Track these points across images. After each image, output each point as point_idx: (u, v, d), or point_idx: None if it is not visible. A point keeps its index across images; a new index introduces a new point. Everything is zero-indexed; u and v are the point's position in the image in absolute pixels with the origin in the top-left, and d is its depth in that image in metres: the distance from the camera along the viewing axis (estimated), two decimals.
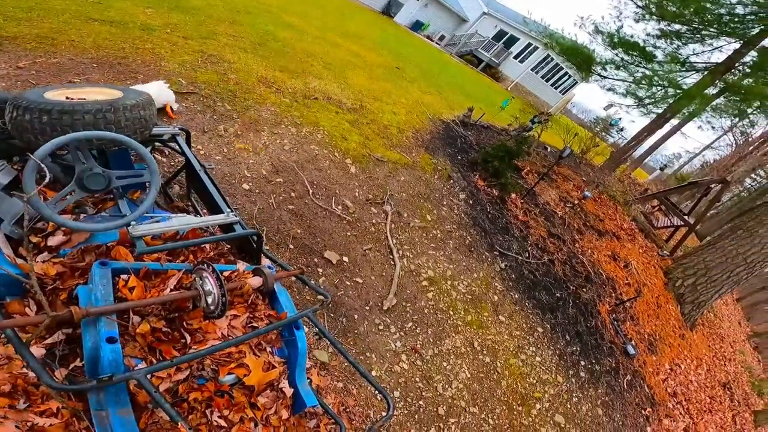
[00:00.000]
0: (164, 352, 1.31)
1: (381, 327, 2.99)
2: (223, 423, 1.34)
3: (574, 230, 6.20)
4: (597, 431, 3.66)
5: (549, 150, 9.22)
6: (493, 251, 4.56)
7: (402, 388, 2.76)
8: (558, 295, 4.67)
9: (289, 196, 3.46)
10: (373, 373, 2.67)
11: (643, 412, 4.28)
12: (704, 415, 5.24)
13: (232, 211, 1.86)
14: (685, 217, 8.51)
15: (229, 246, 1.95)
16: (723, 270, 6.08)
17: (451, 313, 3.52)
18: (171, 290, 1.43)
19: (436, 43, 23.84)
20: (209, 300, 1.38)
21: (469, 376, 3.17)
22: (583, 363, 4.14)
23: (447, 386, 2.98)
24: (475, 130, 7.51)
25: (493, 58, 23.09)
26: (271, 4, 9.18)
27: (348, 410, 2.39)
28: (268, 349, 1.53)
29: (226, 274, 1.58)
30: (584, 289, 5.07)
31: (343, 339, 2.72)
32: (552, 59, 21.96)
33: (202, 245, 1.77)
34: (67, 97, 1.67)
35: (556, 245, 5.45)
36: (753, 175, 16.58)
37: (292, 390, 1.54)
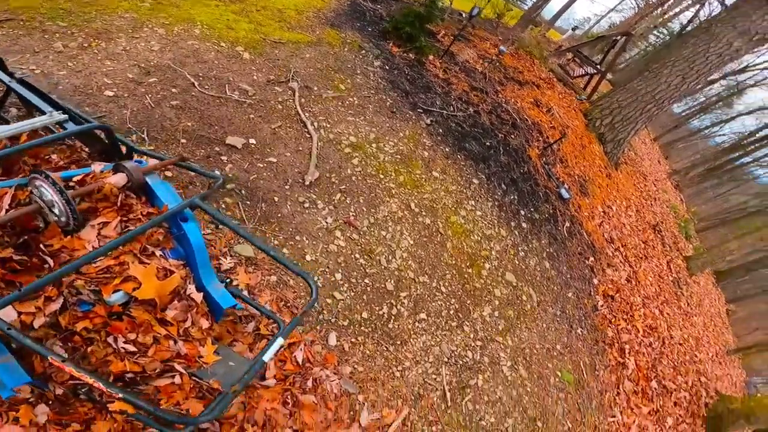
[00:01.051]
0: (25, 284, 1.09)
1: (306, 205, 2.93)
2: (132, 348, 1.22)
3: (496, 83, 6.24)
4: (548, 287, 3.94)
5: (464, 15, 8.97)
6: (416, 109, 4.52)
7: (343, 268, 2.68)
8: (488, 143, 4.81)
9: (169, 93, 3.11)
10: (307, 257, 2.60)
11: (586, 262, 4.70)
12: (641, 263, 5.86)
13: (59, 111, 1.57)
14: (598, 66, 8.91)
15: (87, 151, 1.71)
16: (635, 108, 6.50)
17: (382, 176, 3.52)
18: (6, 211, 1.24)
19: None
20: (55, 211, 1.21)
21: (411, 242, 3.23)
22: (522, 212, 4.39)
23: (391, 257, 3.00)
24: (385, 4, 7.03)
25: None
26: None
27: (289, 305, 2.30)
28: (158, 253, 1.36)
29: (77, 178, 1.38)
30: (512, 136, 5.26)
31: (266, 226, 2.62)
32: None
33: (46, 156, 1.55)
34: None
35: (480, 97, 5.50)
36: (656, 33, 17.65)
37: (202, 294, 1.41)
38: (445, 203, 3.76)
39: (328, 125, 3.62)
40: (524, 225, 4.28)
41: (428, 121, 4.45)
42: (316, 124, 3.55)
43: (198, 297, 1.39)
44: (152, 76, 3.17)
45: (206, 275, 1.44)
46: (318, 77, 4.15)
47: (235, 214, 2.58)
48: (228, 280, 1.62)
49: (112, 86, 2.94)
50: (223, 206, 2.59)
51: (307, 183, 3.02)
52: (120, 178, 1.39)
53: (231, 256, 2.34)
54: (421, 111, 4.53)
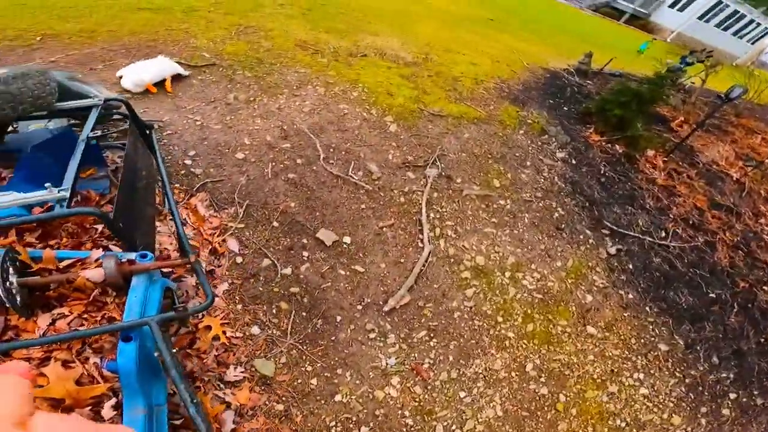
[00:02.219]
0: None
1: (373, 335, 2.16)
2: None
3: (759, 199, 4.12)
4: None
5: (720, 98, 6.68)
6: (600, 229, 3.20)
7: (377, 424, 1.88)
8: (713, 295, 3.04)
9: (292, 164, 2.88)
10: (337, 397, 1.89)
11: None
12: None
13: (58, 188, 1.42)
14: None
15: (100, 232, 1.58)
16: None
17: (500, 320, 2.44)
18: None
19: None
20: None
21: (500, 414, 2.08)
22: (733, 396, 2.52)
23: (457, 428, 1.96)
24: (598, 80, 5.83)
25: (639, 8, 19.55)
26: None
27: None
28: (93, 360, 1.22)
29: (66, 262, 1.30)
30: (766, 288, 3.23)
31: (308, 347, 2.02)
32: (727, 5, 18.25)
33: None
34: None
35: (723, 221, 3.65)
36: None
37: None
38: (588, 372, 2.40)
39: (454, 235, 2.78)
40: (725, 411, 2.41)
41: (613, 250, 3.07)
42: (437, 230, 2.77)
43: (107, 415, 1.21)
44: (288, 141, 3.04)
45: (128, 402, 1.23)
46: (468, 165, 3.38)
47: (281, 322, 2.07)
48: None
49: (247, 148, 2.90)
50: (274, 310, 2.10)
51: (387, 308, 2.26)
52: (97, 274, 1.27)
53: (245, 368, 1.85)
54: (608, 233, 3.19)
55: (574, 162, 3.88)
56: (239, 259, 2.29)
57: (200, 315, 1.95)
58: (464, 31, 6.75)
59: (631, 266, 3.05)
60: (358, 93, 3.79)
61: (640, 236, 3.24)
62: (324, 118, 3.36)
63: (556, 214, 3.23)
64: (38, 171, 1.90)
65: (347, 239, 2.54)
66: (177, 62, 3.55)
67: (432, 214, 2.89)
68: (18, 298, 1.17)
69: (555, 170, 3.69)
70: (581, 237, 3.11)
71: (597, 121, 4.45)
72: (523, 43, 7.21)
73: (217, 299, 2.07)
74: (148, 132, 2.46)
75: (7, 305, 1.13)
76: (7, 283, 1.14)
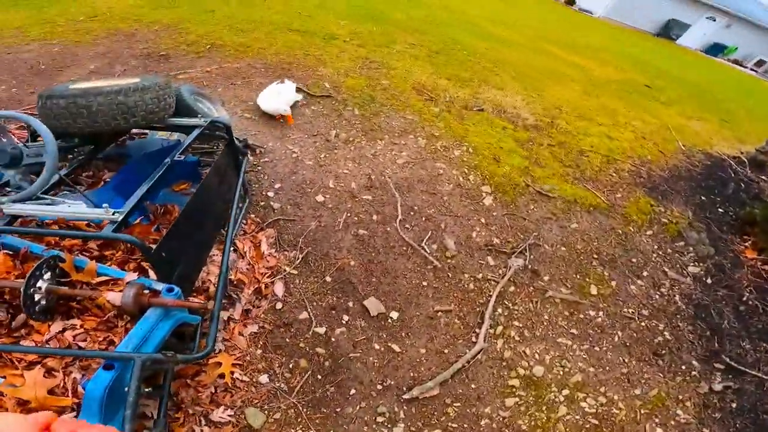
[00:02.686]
0: None
1: (381, 419, 1.88)
2: None
3: None
4: None
5: None
6: (712, 362, 2.46)
7: None
8: None
9: (367, 219, 2.76)
10: None
11: None
12: None
13: (115, 209, 1.44)
14: None
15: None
16: None
17: None
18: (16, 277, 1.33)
19: (751, 69, 17.97)
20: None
21: None
22: None
23: None
24: None
25: None
26: (480, 15, 8.75)
27: None
28: (75, 375, 1.25)
29: (100, 278, 1.38)
30: None
31: (310, 410, 1.84)
32: None
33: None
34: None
35: None
36: None
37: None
38: None
39: (517, 338, 2.36)
40: None
41: (720, 386, 2.32)
42: (500, 328, 2.38)
43: None
44: (370, 192, 2.95)
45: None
46: (564, 262, 2.89)
47: (293, 378, 1.95)
48: None
49: (329, 192, 2.88)
50: (292, 365, 2.00)
51: (408, 396, 1.98)
52: (116, 298, 1.33)
53: (235, 413, 1.77)
54: (722, 367, 2.43)
55: (709, 281, 3.08)
56: (279, 305, 2.22)
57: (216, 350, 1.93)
58: (609, 98, 6.04)
59: (734, 405, 2.26)
60: (461, 153, 3.55)
61: (765, 376, 2.40)
62: (415, 174, 3.20)
63: (660, 338, 2.56)
64: (132, 180, 2.07)
65: (394, 314, 2.32)
66: (299, 88, 3.75)
67: (500, 310, 2.50)
68: (41, 303, 1.26)
69: (679, 287, 2.97)
70: (683, 367, 2.41)
71: (760, 233, 3.50)
72: (682, 118, 6.19)
73: (240, 338, 2.03)
74: (241, 157, 2.57)
75: (30, 308, 1.20)
76: (32, 288, 1.22)
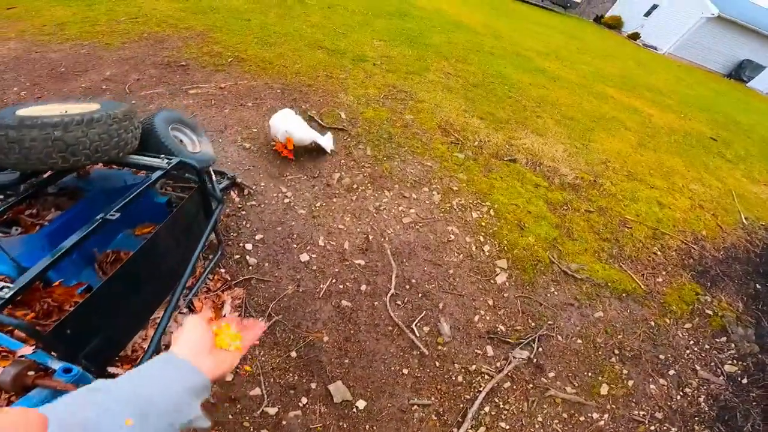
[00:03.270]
0: None
1: None
2: None
3: None
4: None
5: None
6: None
7: None
8: None
9: (354, 288, 2.38)
10: None
11: None
12: None
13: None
14: None
15: None
16: None
17: None
18: None
19: None
20: None
21: None
22: None
23: None
24: None
25: None
26: (533, 47, 8.20)
27: None
28: None
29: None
30: None
31: None
32: None
33: None
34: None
35: None
36: None
37: None
38: None
39: None
40: None
41: None
42: (481, 430, 1.92)
43: None
44: (364, 257, 2.57)
45: None
46: (576, 357, 2.39)
47: None
48: None
49: (316, 250, 2.53)
50: None
51: None
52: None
53: None
54: None
55: (744, 381, 2.51)
56: (229, 377, 1.88)
57: None
58: (667, 152, 5.37)
59: None
60: (480, 215, 3.10)
61: None
62: (421, 238, 2.78)
63: None
64: (77, 225, 1.78)
65: (361, 403, 1.91)
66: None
67: (487, 408, 2.05)
68: None
69: (707, 388, 2.40)
70: None
71: None
72: (749, 181, 5.41)
73: None
74: (215, 205, 2.25)
75: None
76: None
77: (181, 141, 2.28)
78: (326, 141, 3.00)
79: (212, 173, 2.38)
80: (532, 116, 4.85)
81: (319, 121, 3.51)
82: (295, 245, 2.52)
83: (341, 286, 2.40)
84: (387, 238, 2.71)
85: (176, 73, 3.90)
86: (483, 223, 3.03)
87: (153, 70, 3.90)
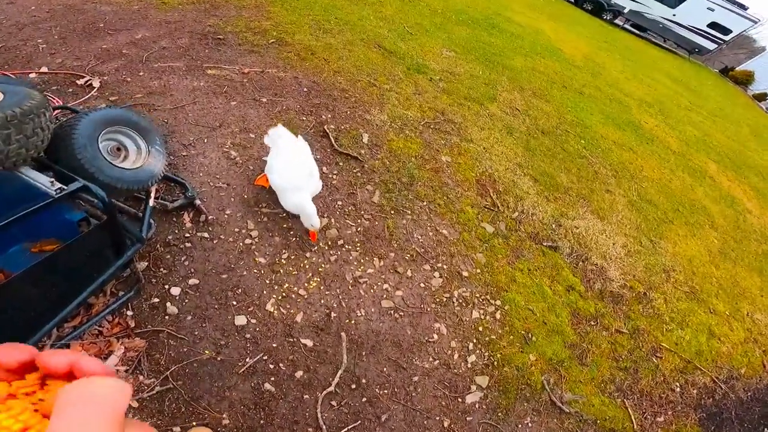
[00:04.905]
0: None
1: None
2: None
3: None
4: None
5: None
6: None
7: None
8: None
9: (288, 373, 1.91)
10: None
11: None
12: None
13: None
14: None
15: None
16: None
17: None
18: None
19: None
20: None
21: None
22: None
23: None
24: None
25: None
26: (635, 93, 7.03)
27: None
28: None
29: None
30: None
31: None
32: None
33: None
34: None
35: None
36: None
37: None
38: None
39: None
40: None
41: None
42: None
43: None
44: (315, 337, 2.08)
45: None
46: None
47: None
48: None
49: (259, 315, 2.09)
50: None
51: None
52: None
53: None
54: None
55: None
56: None
57: None
58: (748, 267, 4.31)
59: None
60: (482, 316, 2.46)
61: None
62: (395, 331, 2.21)
63: None
64: None
65: None
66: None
67: None
68: None
69: None
70: None
71: None
72: None
73: None
74: (129, 244, 1.81)
75: None
76: None
77: (118, 149, 1.85)
78: (309, 216, 2.21)
79: (151, 195, 1.94)
80: (600, 189, 4.00)
81: (333, 141, 2.97)
82: (234, 302, 2.05)
83: (272, 366, 1.94)
84: (353, 321, 2.17)
85: (207, 47, 3.51)
86: (481, 327, 2.40)
87: (186, 39, 3.54)
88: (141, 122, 1.94)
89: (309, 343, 2.05)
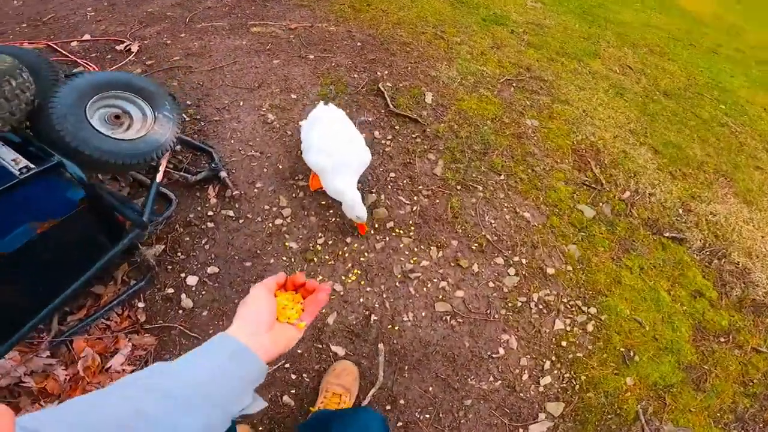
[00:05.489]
0: None
1: None
2: None
3: None
4: None
5: None
6: None
7: None
8: None
9: (310, 385, 1.55)
10: None
11: None
12: None
13: None
14: None
15: None
16: None
17: None
18: None
19: None
20: None
21: None
22: None
23: None
24: None
25: None
26: None
27: None
28: None
29: None
30: None
31: None
32: None
33: None
34: None
35: None
36: None
37: None
38: None
39: None
40: None
41: None
42: None
43: None
44: (351, 345, 1.69)
45: None
46: None
47: None
48: None
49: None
50: None
51: None
52: None
53: None
54: None
55: None
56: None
57: None
58: None
59: None
60: (569, 327, 1.86)
61: None
62: (450, 340, 1.73)
63: None
64: None
65: None
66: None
67: None
68: None
69: None
70: None
71: None
72: None
73: None
74: (129, 228, 1.53)
75: None
76: None
77: (118, 117, 1.55)
78: (351, 206, 1.76)
79: (160, 169, 1.63)
80: (747, 165, 2.99)
81: (388, 101, 2.47)
82: None
83: (294, 376, 1.59)
84: (396, 327, 1.72)
85: (254, 3, 3.19)
86: (565, 342, 1.80)
87: None
88: (145, 85, 1.63)
89: (340, 351, 1.65)
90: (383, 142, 2.28)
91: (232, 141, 2.13)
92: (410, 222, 1.99)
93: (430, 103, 2.58)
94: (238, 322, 0.57)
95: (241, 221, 1.87)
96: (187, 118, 2.20)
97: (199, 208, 1.87)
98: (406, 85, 2.65)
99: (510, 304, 1.88)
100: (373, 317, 1.72)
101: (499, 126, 2.59)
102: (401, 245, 1.92)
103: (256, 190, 1.97)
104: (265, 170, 2.04)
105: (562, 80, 3.13)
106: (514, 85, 2.95)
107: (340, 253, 1.86)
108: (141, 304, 1.63)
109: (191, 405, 0.45)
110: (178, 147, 2.03)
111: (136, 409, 0.42)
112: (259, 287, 0.63)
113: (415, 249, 1.92)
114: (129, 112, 1.60)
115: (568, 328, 1.87)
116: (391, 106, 2.45)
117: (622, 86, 3.30)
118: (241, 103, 2.32)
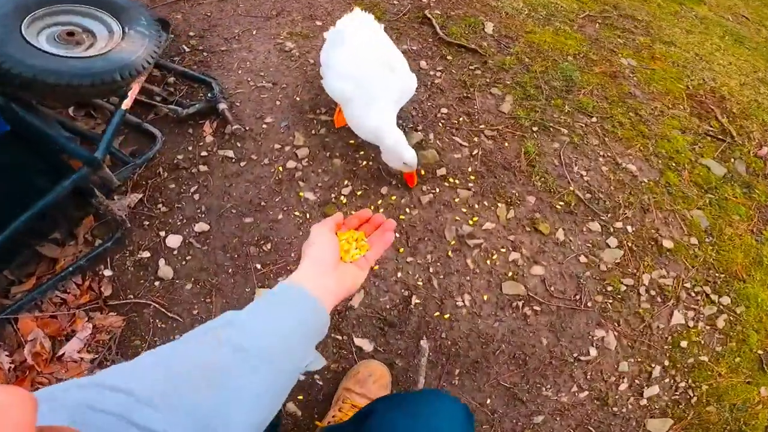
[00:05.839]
0: None
1: None
2: None
3: None
4: None
5: None
6: None
7: None
8: None
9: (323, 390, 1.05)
10: None
11: None
12: None
13: None
14: None
15: None
16: None
17: None
18: None
19: None
20: None
21: None
22: None
23: None
24: None
25: None
26: None
27: None
28: None
29: None
30: None
31: None
32: None
33: None
34: None
35: None
36: None
37: None
38: None
39: None
40: None
41: None
42: None
43: None
44: (382, 338, 1.18)
45: None
46: None
47: None
48: None
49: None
50: None
51: None
52: None
53: None
54: None
55: None
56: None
57: None
58: None
59: None
60: (694, 319, 1.30)
61: None
62: (521, 336, 1.21)
63: None
64: None
65: None
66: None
67: None
68: None
69: None
70: None
71: None
72: None
73: None
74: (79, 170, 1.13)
75: None
76: None
77: (70, 34, 1.15)
78: (394, 148, 1.25)
79: (130, 95, 1.22)
80: None
81: (437, 27, 1.94)
82: (258, 264, 1.27)
83: (302, 376, 1.15)
84: (447, 315, 1.22)
85: None
86: (685, 342, 1.24)
87: None
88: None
89: (367, 346, 1.16)
90: (431, 73, 1.76)
91: (240, 71, 1.69)
92: (469, 169, 1.46)
93: (491, 33, 2.02)
94: (307, 262, 0.56)
95: (242, 164, 1.42)
96: (187, 49, 1.79)
97: (190, 148, 1.45)
98: (459, 13, 2.10)
99: (609, 288, 1.31)
100: (415, 300, 1.22)
101: (585, 63, 1.99)
102: (456, 200, 1.39)
103: (264, 125, 1.51)
104: (278, 103, 1.58)
105: (661, 21, 2.48)
106: (598, 21, 2.33)
107: (373, 207, 1.37)
108: (108, 272, 1.22)
109: (269, 359, 0.44)
110: (172, 79, 1.62)
111: (214, 360, 0.41)
112: (319, 227, 0.61)
113: (476, 206, 1.39)
114: (91, 30, 1.21)
115: (691, 324, 1.29)
116: (441, 34, 1.92)
117: (739, 34, 2.62)
118: (254, 32, 1.88)
